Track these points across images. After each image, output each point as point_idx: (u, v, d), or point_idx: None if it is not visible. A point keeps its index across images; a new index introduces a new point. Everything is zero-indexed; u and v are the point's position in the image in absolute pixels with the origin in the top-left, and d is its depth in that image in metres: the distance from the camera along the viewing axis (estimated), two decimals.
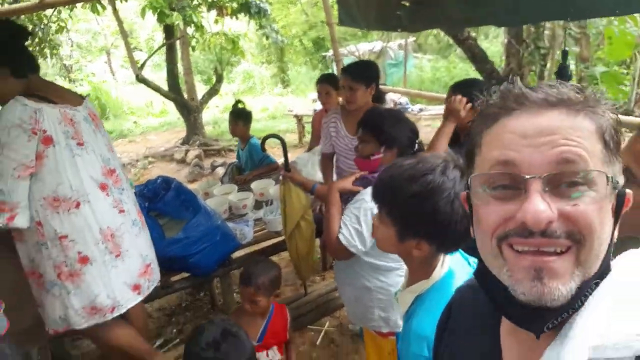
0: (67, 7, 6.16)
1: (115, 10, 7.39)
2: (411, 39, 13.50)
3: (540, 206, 0.58)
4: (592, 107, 0.64)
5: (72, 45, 14.70)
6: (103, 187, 2.06)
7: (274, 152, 6.69)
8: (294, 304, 2.89)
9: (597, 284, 0.61)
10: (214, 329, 1.57)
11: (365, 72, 2.87)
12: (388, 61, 13.16)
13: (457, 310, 0.90)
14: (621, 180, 0.65)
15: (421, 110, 7.99)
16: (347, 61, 12.47)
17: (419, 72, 13.31)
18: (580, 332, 0.58)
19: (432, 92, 8.13)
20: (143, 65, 7.90)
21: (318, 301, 2.84)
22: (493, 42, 13.22)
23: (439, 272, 1.20)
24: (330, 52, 13.02)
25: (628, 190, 0.65)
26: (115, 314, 2.10)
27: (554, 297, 0.59)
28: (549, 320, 0.61)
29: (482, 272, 0.70)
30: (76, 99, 2.08)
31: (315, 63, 17.28)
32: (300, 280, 3.35)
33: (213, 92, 9.19)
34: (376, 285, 1.92)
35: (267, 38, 9.44)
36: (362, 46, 13.49)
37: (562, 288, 0.59)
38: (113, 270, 2.08)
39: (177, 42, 8.77)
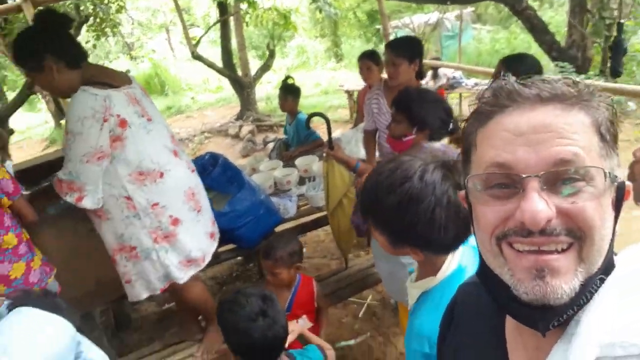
0: None
1: None
2: (469, 9, 12.96)
3: (538, 205, 0.57)
4: (586, 100, 0.63)
5: (132, 23, 15.22)
6: (175, 153, 2.25)
7: (322, 128, 6.73)
8: (334, 277, 2.98)
9: (602, 280, 0.61)
10: (253, 298, 1.60)
11: (408, 47, 2.85)
12: (444, 33, 12.70)
13: (460, 307, 0.89)
14: (620, 173, 0.64)
15: (476, 84, 7.72)
16: (401, 34, 12.21)
17: (477, 44, 12.79)
18: (587, 329, 0.57)
19: (489, 67, 7.81)
20: (198, 42, 8.12)
21: (358, 275, 2.91)
22: (558, 10, 12.47)
23: (445, 269, 1.17)
24: None
25: (628, 183, 0.64)
26: (206, 261, 2.34)
27: (557, 295, 0.58)
28: (555, 318, 0.60)
29: (483, 271, 0.69)
30: (127, 78, 2.20)
31: (369, 36, 16.99)
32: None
33: (265, 67, 9.31)
34: (409, 262, 1.95)
35: (320, 11, 9.39)
36: (417, 18, 13.07)
37: (565, 286, 0.58)
38: (198, 225, 2.30)
39: (231, 19, 8.92)
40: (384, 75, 3.13)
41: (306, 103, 10.31)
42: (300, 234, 3.57)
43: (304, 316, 2.19)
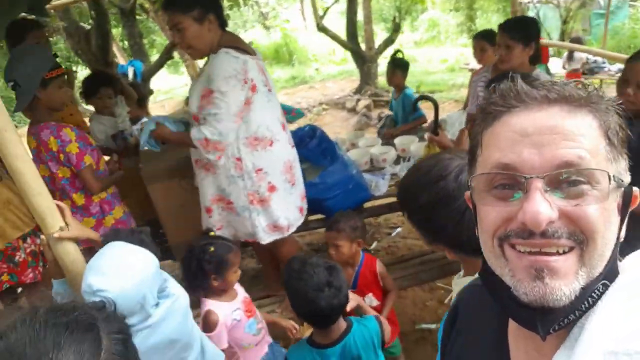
0: None
1: None
2: None
3: (540, 206, 0.57)
4: (594, 103, 0.61)
5: None
6: (283, 126, 2.43)
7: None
8: (418, 259, 2.98)
9: (605, 285, 0.60)
10: (319, 269, 1.68)
11: (525, 29, 2.68)
12: (595, 10, 11.38)
13: (464, 309, 0.89)
14: (627, 178, 0.62)
15: (620, 70, 6.88)
16: (544, 10, 11.17)
17: (633, 25, 11.25)
18: (591, 335, 0.56)
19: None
20: (324, 14, 8.27)
21: (443, 261, 2.87)
22: None
23: None
24: None
25: (635, 188, 0.62)
26: (290, 231, 2.54)
27: (556, 297, 0.58)
28: (555, 321, 0.59)
29: (486, 272, 0.69)
30: (252, 49, 2.35)
31: (509, 11, 15.81)
32: None
33: (389, 41, 9.20)
34: None
35: None
36: None
37: (564, 288, 0.58)
38: (290, 196, 2.48)
39: None
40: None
41: (429, 79, 10.05)
42: (390, 212, 3.60)
43: (370, 294, 2.25)
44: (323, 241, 4.39)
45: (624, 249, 0.65)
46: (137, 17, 6.83)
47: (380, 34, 12.99)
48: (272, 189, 2.37)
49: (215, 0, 2.19)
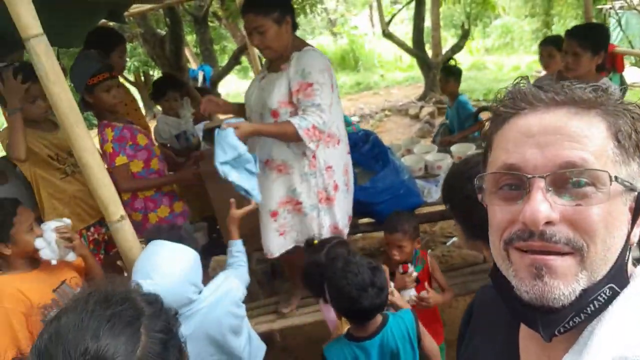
0: None
1: None
2: None
3: (539, 205, 0.58)
4: (603, 105, 0.61)
5: (338, 0, 16.03)
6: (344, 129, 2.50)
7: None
8: (468, 269, 2.95)
9: (612, 290, 0.60)
10: (363, 269, 1.69)
11: (595, 36, 2.60)
12: None
13: (478, 310, 0.89)
14: (639, 182, 0.61)
15: None
16: (626, 17, 10.46)
17: None
18: (600, 341, 0.56)
19: None
20: (390, 20, 8.27)
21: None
22: None
23: None
24: (608, 5, 11.10)
25: None
26: (344, 236, 2.54)
27: (555, 296, 0.58)
28: (558, 323, 0.60)
29: (495, 273, 0.70)
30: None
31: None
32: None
33: (457, 48, 9.03)
34: None
35: None
36: None
37: (563, 288, 0.58)
38: (346, 200, 2.53)
39: None
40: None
41: (498, 88, 9.67)
42: (442, 219, 3.55)
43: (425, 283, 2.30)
44: (376, 246, 4.40)
45: None
46: (210, 24, 7.16)
47: (451, 41, 12.74)
48: (336, 188, 2.42)
49: (290, 3, 2.30)
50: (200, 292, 1.67)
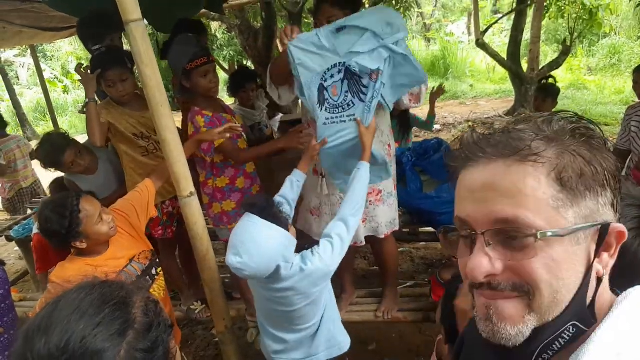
0: None
1: None
2: None
3: (479, 260, 0.62)
4: (544, 149, 0.60)
5: (435, 6, 15.73)
6: None
7: None
8: None
9: (575, 327, 0.61)
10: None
11: None
12: None
13: (468, 342, 0.90)
14: (600, 216, 0.61)
15: None
16: None
17: None
18: None
19: None
20: (486, 30, 8.00)
21: None
22: None
23: None
24: None
25: (618, 225, 0.62)
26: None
27: (503, 336, 0.62)
28: None
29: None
30: None
31: None
32: None
33: (555, 64, 8.54)
34: None
35: None
36: None
37: (509, 329, 0.62)
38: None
39: (532, 8, 8.43)
40: None
41: (596, 110, 9.13)
42: None
43: None
44: (437, 257, 4.33)
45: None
46: (304, 20, 7.33)
47: (552, 56, 12.07)
48: (395, 179, 2.52)
49: (360, 5, 2.33)
50: (292, 265, 1.70)
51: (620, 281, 0.68)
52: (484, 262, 0.62)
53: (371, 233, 2.49)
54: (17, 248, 5.10)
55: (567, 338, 0.61)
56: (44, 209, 1.82)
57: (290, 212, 2.03)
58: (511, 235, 0.60)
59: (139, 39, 1.67)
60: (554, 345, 0.62)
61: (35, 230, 3.28)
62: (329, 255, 1.73)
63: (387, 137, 2.40)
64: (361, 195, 1.93)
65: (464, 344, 0.93)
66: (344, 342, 1.98)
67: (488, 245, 0.62)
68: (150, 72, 1.73)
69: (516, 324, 0.61)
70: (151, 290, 2.00)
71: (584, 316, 0.62)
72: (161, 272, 2.16)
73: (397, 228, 2.55)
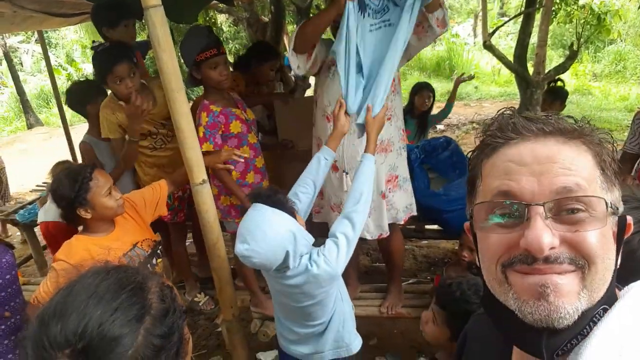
0: None
1: None
2: None
3: (542, 232, 0.60)
4: (587, 135, 0.64)
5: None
6: None
7: None
8: None
9: (605, 310, 0.61)
10: (464, 282, 1.72)
11: None
12: None
13: (471, 338, 0.89)
14: (621, 206, 0.64)
15: None
16: None
17: None
18: None
19: None
20: (493, 32, 7.98)
21: None
22: None
23: None
24: None
25: (629, 217, 0.65)
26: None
27: (561, 315, 0.59)
28: (559, 344, 0.61)
29: (488, 301, 0.70)
30: None
31: None
32: None
33: (561, 69, 8.49)
34: None
35: None
36: None
37: (568, 307, 0.59)
38: None
39: (540, 11, 8.40)
40: None
41: (600, 116, 9.15)
42: None
43: None
44: (440, 256, 4.34)
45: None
46: (312, 15, 7.33)
47: (557, 60, 12.06)
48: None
49: None
50: (301, 257, 1.67)
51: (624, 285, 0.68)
52: (548, 232, 0.60)
53: (391, 220, 2.48)
54: (19, 233, 5.11)
55: (596, 321, 0.61)
56: (59, 174, 1.87)
57: (313, 196, 1.95)
58: (572, 207, 0.61)
59: (158, 24, 1.67)
60: (585, 329, 0.61)
61: (41, 219, 3.28)
62: (334, 256, 1.68)
63: (401, 122, 2.41)
64: (367, 189, 1.84)
65: (467, 339, 0.92)
66: (354, 344, 1.94)
67: (547, 217, 0.61)
68: (167, 57, 1.72)
69: (573, 301, 0.60)
70: None
71: (612, 301, 0.62)
72: (160, 264, 2.16)
73: (414, 212, 2.56)
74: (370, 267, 4.04)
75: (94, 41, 2.54)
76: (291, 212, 1.67)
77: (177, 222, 2.90)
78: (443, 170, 2.89)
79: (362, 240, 2.60)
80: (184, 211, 2.87)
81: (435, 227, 3.03)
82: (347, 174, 2.33)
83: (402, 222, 2.50)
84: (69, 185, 1.79)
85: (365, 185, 1.84)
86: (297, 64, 2.25)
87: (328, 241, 1.74)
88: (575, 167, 0.62)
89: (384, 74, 1.99)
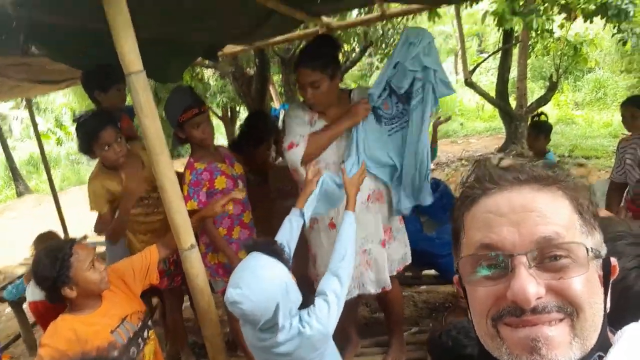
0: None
1: (457, 16, 7.90)
2: None
3: (527, 283, 0.59)
4: (562, 180, 0.65)
5: None
6: None
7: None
8: None
9: (600, 358, 0.60)
10: (452, 329, 1.62)
11: None
12: None
13: None
14: (603, 249, 0.64)
15: None
16: None
17: None
18: None
19: None
20: (474, 69, 8.20)
21: None
22: None
23: None
24: None
25: (613, 259, 0.64)
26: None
27: None
28: None
29: (483, 357, 0.68)
30: None
31: None
32: None
33: (542, 101, 8.73)
34: None
35: (625, 44, 8.29)
36: None
37: (561, 358, 0.58)
38: None
39: (518, 46, 8.68)
40: None
41: (586, 144, 9.27)
42: None
43: None
44: (441, 301, 4.25)
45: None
46: None
47: (538, 92, 12.34)
48: None
49: (339, 57, 2.37)
50: (292, 317, 1.61)
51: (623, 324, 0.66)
52: (533, 282, 0.59)
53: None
54: (8, 309, 4.95)
55: None
56: (38, 254, 1.81)
57: (289, 258, 1.95)
58: (554, 254, 0.60)
59: (140, 90, 1.68)
60: None
61: (29, 298, 3.21)
62: (325, 314, 1.64)
63: None
64: (350, 246, 1.88)
65: None
66: None
67: (530, 267, 0.60)
68: (150, 122, 1.73)
69: (566, 352, 0.59)
70: (142, 354, 1.93)
71: (606, 347, 0.61)
72: (153, 336, 2.09)
73: (409, 262, 2.54)
74: (370, 319, 3.92)
75: (74, 114, 2.54)
76: (287, 264, 1.64)
77: (173, 287, 2.80)
78: (434, 214, 2.88)
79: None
80: (180, 275, 2.79)
81: (432, 271, 2.98)
82: None
83: (394, 273, 2.47)
84: (49, 264, 1.73)
85: (349, 242, 1.88)
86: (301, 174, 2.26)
87: (317, 299, 1.71)
88: (552, 214, 0.62)
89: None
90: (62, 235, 4.51)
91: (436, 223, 2.85)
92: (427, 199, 2.39)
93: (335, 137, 2.26)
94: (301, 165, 2.23)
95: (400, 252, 2.49)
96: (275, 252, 1.62)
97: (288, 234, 2.00)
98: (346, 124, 2.24)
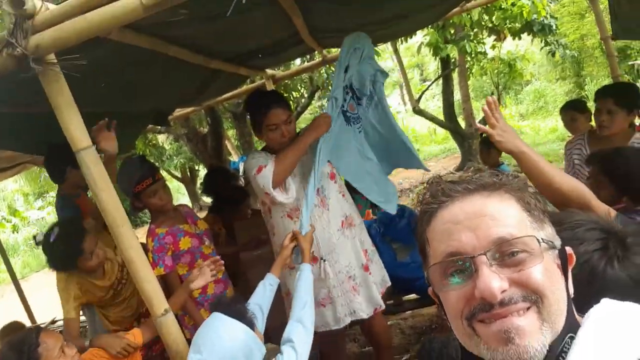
0: None
1: (395, 52, 8.28)
2: None
3: (490, 279, 0.64)
4: (507, 184, 0.71)
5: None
6: None
7: None
8: None
9: (572, 339, 0.64)
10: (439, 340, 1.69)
11: (629, 95, 2.62)
12: None
13: None
14: (557, 241, 0.70)
15: None
16: None
17: None
18: None
19: None
20: (419, 98, 8.53)
21: None
22: None
23: None
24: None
25: (568, 248, 0.71)
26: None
27: (530, 353, 0.63)
28: None
29: (466, 357, 0.72)
30: None
31: (622, 74, 14.88)
32: None
33: None
34: None
35: (554, 55, 8.87)
36: None
37: (535, 344, 0.63)
38: None
39: (456, 71, 9.11)
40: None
41: (537, 151, 9.63)
42: None
43: None
44: (427, 324, 4.23)
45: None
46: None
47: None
48: None
49: None
50: None
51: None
52: (495, 278, 0.64)
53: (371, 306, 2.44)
54: None
55: (567, 351, 0.64)
56: (3, 349, 1.74)
57: (262, 320, 1.96)
58: (512, 250, 0.66)
59: (92, 165, 1.66)
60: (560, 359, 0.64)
61: None
62: None
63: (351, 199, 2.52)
64: (308, 294, 1.97)
65: None
66: None
67: (491, 265, 0.65)
68: (107, 196, 1.70)
69: (538, 337, 0.63)
70: None
71: (576, 329, 0.65)
72: None
73: (389, 284, 2.54)
74: (360, 354, 3.87)
75: (34, 237, 2.47)
76: (250, 323, 1.62)
77: (152, 356, 2.69)
78: (404, 239, 2.92)
79: (348, 326, 2.55)
80: (158, 342, 2.68)
81: (412, 296, 3.00)
82: (324, 260, 2.31)
83: (379, 295, 2.45)
84: (16, 359, 1.66)
85: (308, 293, 1.95)
86: (284, 195, 2.26)
87: (284, 347, 1.72)
88: (503, 216, 0.68)
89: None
90: (28, 323, 4.31)
91: (408, 247, 2.89)
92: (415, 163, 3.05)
93: (302, 152, 2.26)
94: (273, 189, 2.19)
95: (379, 274, 2.50)
96: (239, 312, 1.61)
97: (261, 299, 2.01)
98: (311, 137, 2.27)
